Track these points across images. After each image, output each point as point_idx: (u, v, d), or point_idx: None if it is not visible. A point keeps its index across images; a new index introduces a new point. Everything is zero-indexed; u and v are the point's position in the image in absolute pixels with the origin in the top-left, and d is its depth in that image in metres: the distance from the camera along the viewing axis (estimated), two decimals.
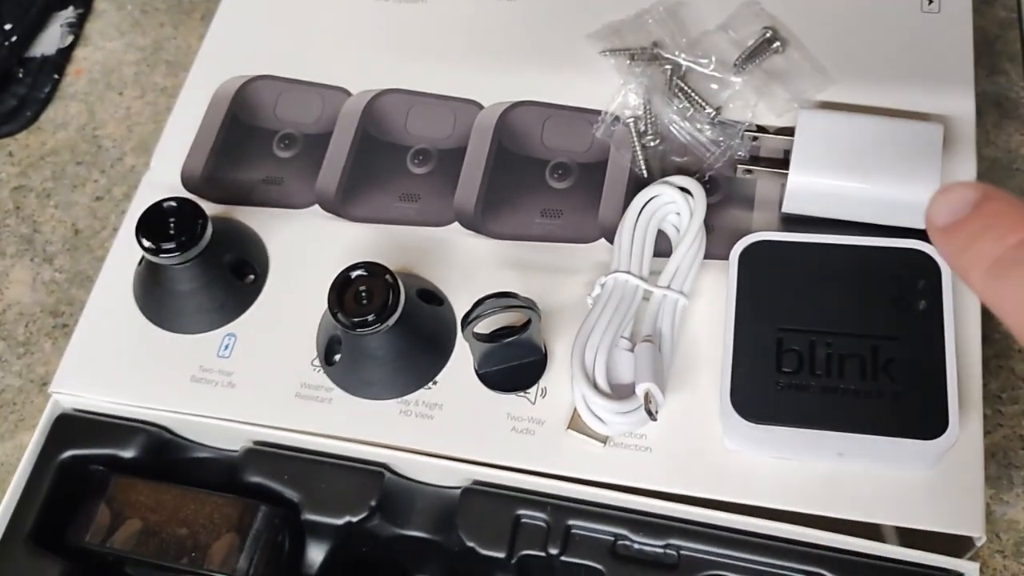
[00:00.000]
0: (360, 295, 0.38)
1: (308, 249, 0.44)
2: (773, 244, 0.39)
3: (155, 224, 0.40)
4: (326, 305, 0.39)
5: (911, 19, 0.47)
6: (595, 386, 0.38)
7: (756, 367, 0.37)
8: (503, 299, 0.37)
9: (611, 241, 0.43)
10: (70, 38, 0.63)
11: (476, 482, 0.39)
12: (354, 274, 0.38)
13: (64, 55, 0.62)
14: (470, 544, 0.37)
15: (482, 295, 0.38)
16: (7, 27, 0.62)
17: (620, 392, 0.38)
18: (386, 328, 0.38)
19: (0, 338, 0.53)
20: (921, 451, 0.35)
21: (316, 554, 0.39)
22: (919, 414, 0.35)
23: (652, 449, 0.38)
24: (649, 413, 0.37)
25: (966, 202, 0.26)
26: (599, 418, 0.38)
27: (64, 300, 0.54)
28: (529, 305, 0.37)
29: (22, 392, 0.52)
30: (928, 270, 0.38)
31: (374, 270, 0.38)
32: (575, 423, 0.39)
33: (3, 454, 0.50)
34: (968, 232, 0.26)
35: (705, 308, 0.41)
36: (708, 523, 0.37)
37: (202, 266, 0.41)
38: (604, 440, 0.38)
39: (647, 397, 0.37)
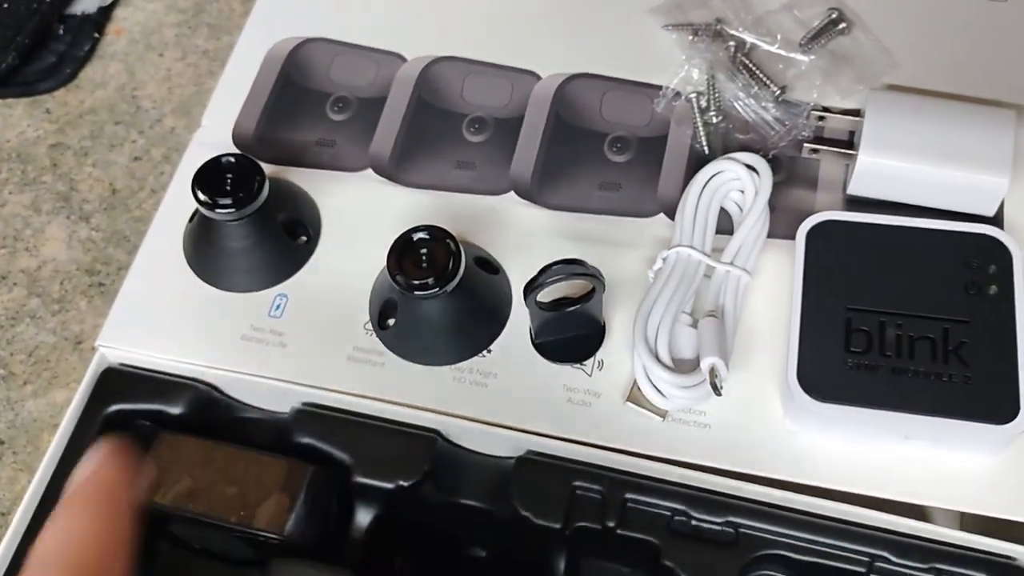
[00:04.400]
0: (420, 258, 0.38)
1: (361, 212, 0.43)
2: (841, 224, 0.39)
3: (212, 179, 0.40)
4: (382, 268, 0.38)
5: (977, 4, 0.46)
6: (657, 359, 0.37)
7: (824, 345, 0.36)
8: (571, 266, 0.36)
9: (670, 216, 0.42)
10: None
11: (531, 452, 0.38)
12: (416, 236, 0.38)
13: (105, 14, 0.62)
14: (524, 513, 0.37)
15: (540, 265, 0.37)
16: None
17: (681, 367, 0.37)
18: (445, 293, 0.37)
19: (35, 295, 0.53)
20: (991, 436, 0.34)
21: (364, 517, 0.38)
22: (991, 399, 0.35)
23: (711, 426, 0.38)
24: (714, 387, 0.36)
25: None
26: (660, 391, 0.37)
27: (101, 259, 0.54)
28: (595, 274, 0.37)
29: (56, 349, 0.51)
30: (999, 256, 0.37)
31: (436, 234, 0.38)
32: (634, 396, 0.38)
33: (37, 410, 0.49)
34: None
35: (765, 287, 0.40)
36: (768, 502, 0.36)
37: (256, 224, 0.41)
38: (663, 414, 0.38)
39: (712, 372, 0.36)
